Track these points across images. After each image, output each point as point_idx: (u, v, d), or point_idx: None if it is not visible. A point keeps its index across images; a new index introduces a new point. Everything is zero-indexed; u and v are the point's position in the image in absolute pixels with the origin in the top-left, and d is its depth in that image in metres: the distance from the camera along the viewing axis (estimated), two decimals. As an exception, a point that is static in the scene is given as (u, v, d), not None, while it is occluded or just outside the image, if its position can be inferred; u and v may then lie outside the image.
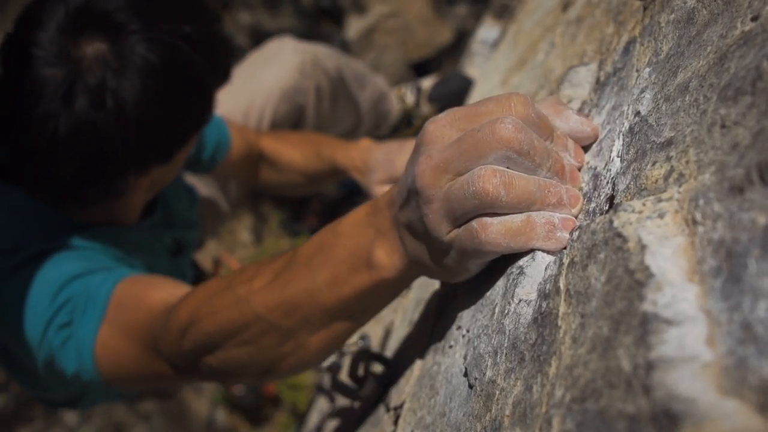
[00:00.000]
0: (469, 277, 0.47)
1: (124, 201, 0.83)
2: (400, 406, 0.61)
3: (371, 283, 0.49)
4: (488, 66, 1.54)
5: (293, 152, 1.22)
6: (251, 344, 0.55)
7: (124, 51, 0.69)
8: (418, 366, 0.61)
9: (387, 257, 0.48)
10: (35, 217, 0.80)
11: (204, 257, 1.65)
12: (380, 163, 1.14)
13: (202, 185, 1.28)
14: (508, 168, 0.41)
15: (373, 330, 1.06)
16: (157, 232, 0.95)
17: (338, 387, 0.70)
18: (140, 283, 0.73)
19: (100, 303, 0.71)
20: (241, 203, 1.57)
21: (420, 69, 2.31)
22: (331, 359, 0.71)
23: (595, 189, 0.43)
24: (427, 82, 1.58)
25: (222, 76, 0.80)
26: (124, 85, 0.69)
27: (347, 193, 2.01)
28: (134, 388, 1.02)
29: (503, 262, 0.46)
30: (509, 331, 0.42)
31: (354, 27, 2.32)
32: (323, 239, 0.52)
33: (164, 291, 0.68)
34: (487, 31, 1.80)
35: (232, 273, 0.60)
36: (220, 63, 0.78)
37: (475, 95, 1.41)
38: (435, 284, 0.66)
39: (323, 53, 1.38)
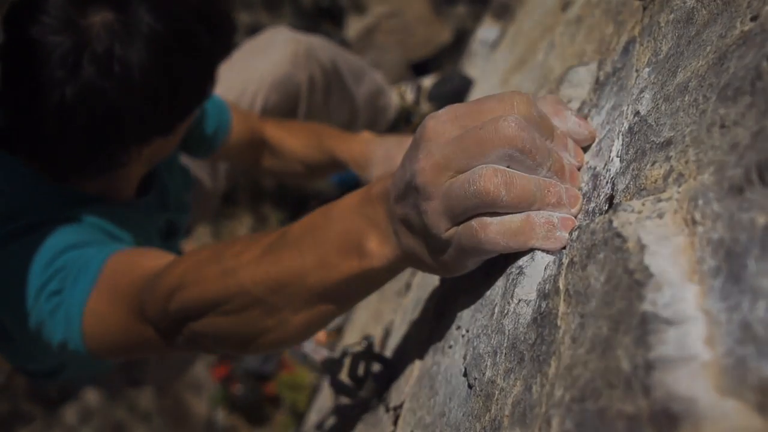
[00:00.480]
0: (465, 272, 0.47)
1: (123, 173, 0.84)
2: (400, 406, 0.61)
3: (360, 270, 0.49)
4: (488, 66, 1.54)
5: (295, 141, 1.23)
6: (234, 315, 0.56)
7: (131, 20, 0.71)
8: (417, 366, 0.61)
9: (378, 247, 0.48)
10: (33, 187, 0.80)
11: (192, 246, 1.65)
12: (380, 159, 1.15)
13: (192, 166, 1.28)
14: (508, 167, 0.41)
15: (373, 330, 1.06)
16: (152, 212, 0.96)
17: (338, 386, 0.70)
18: (133, 253, 0.74)
19: (92, 272, 0.71)
20: (233, 187, 1.57)
21: (420, 69, 2.31)
22: (326, 352, 0.71)
23: (594, 189, 0.43)
24: (427, 81, 1.58)
25: (224, 49, 0.82)
26: (130, 53, 0.70)
27: (345, 193, 2.00)
28: (117, 357, 1.02)
29: (503, 262, 0.46)
30: (509, 331, 0.42)
31: (354, 27, 2.32)
32: (314, 221, 0.52)
33: (156, 259, 0.69)
34: (486, 31, 1.79)
35: (222, 243, 0.61)
36: (223, 36, 0.80)
37: (475, 95, 1.41)
38: (435, 284, 0.66)
39: (318, 44, 1.38)
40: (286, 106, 1.35)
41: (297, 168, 1.25)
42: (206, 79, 0.81)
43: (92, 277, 0.71)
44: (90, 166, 0.77)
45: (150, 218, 0.95)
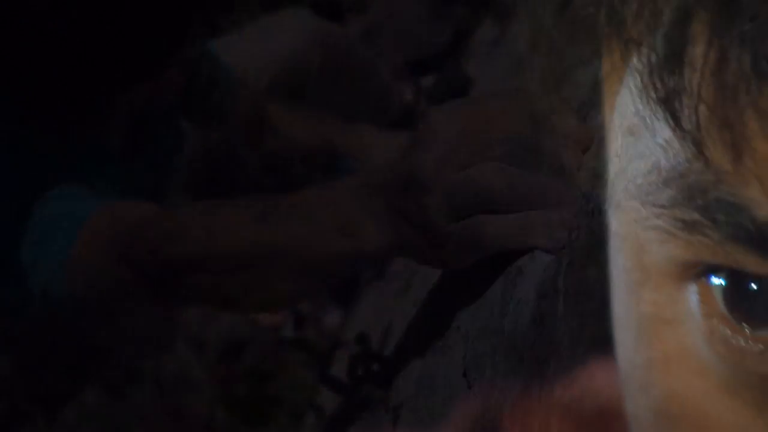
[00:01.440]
0: (461, 267, 0.47)
1: (108, 120, 0.84)
2: (400, 406, 0.61)
3: (353, 251, 0.50)
4: (488, 66, 1.54)
5: (298, 125, 1.23)
6: (220, 273, 0.57)
7: None
8: (417, 366, 0.61)
9: (374, 235, 0.49)
10: (19, 138, 0.80)
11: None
12: (380, 155, 1.15)
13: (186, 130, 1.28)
14: (510, 164, 0.41)
15: (373, 330, 1.05)
16: (141, 171, 0.96)
17: (336, 386, 0.70)
18: (121, 205, 0.74)
19: (77, 223, 0.71)
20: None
21: (419, 69, 2.30)
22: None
23: (593, 189, 0.43)
24: (427, 81, 1.58)
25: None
26: None
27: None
28: (101, 307, 1.02)
29: (502, 262, 0.46)
30: (508, 331, 0.42)
31: (353, 27, 2.32)
32: (312, 197, 0.53)
33: (145, 211, 0.69)
34: (486, 31, 1.79)
35: (218, 201, 0.62)
36: None
37: (474, 95, 1.41)
38: (435, 284, 0.66)
39: (336, 33, 1.38)
40: (292, 88, 1.34)
41: (296, 153, 1.25)
42: (182, 22, 0.79)
43: (77, 227, 0.71)
44: (72, 107, 0.76)
45: (138, 177, 0.95)
